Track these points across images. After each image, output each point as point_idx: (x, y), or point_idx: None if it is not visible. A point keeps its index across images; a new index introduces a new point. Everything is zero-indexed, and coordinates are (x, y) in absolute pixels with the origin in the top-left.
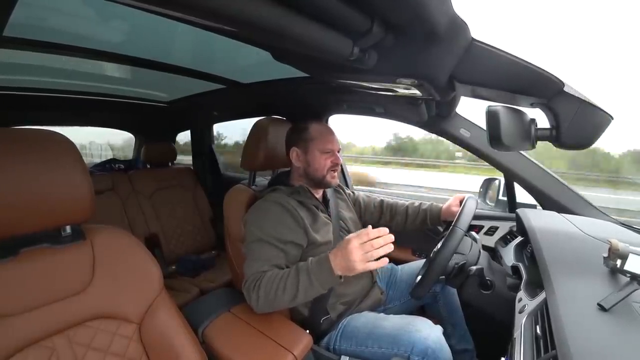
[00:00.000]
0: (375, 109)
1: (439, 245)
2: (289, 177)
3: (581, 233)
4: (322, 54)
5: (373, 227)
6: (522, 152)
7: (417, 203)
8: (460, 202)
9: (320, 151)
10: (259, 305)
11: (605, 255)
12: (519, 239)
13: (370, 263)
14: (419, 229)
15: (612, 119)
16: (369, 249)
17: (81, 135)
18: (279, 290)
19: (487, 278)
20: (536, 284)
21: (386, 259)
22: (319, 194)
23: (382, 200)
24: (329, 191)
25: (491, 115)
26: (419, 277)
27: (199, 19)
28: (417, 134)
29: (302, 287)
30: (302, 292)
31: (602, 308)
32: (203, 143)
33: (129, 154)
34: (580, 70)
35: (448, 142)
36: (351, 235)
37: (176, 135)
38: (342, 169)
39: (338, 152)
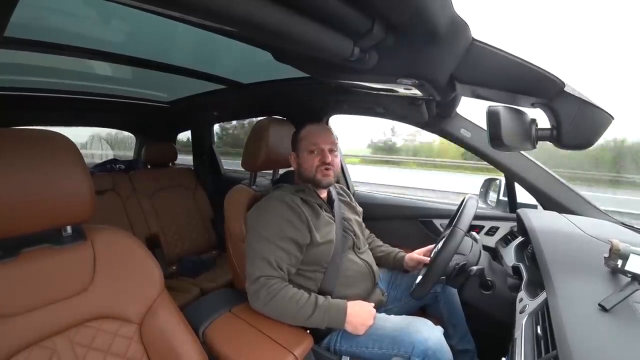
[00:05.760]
0: (376, 109)
1: (439, 246)
2: (293, 177)
3: (582, 233)
4: (322, 54)
5: None
6: (522, 152)
7: (391, 252)
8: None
9: (307, 151)
10: (264, 310)
11: (606, 255)
12: (519, 239)
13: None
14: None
15: (613, 119)
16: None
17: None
18: (292, 311)
19: (487, 278)
20: (537, 284)
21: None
22: (323, 194)
23: (371, 235)
24: (333, 192)
25: (492, 116)
26: (420, 278)
27: (199, 19)
28: None
29: (312, 320)
30: (309, 322)
31: (603, 308)
32: (203, 143)
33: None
34: (581, 70)
35: None
36: (371, 307)
37: (177, 135)
38: (342, 170)
39: (331, 151)
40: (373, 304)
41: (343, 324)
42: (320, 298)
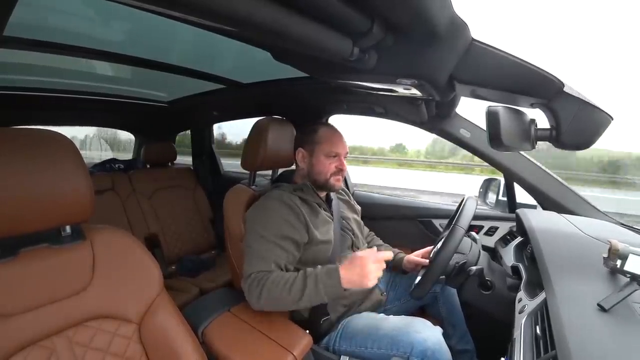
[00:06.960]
0: (375, 109)
1: (439, 245)
2: (293, 176)
3: (581, 233)
4: (322, 54)
5: None
6: (522, 152)
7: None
8: (424, 254)
9: (326, 155)
10: (260, 303)
11: (605, 255)
12: (518, 239)
13: (376, 280)
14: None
15: (612, 119)
16: (380, 267)
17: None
18: (284, 292)
19: (487, 278)
20: (536, 284)
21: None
22: (322, 193)
23: (371, 233)
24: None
25: (491, 116)
26: (419, 278)
27: (199, 19)
28: None
29: (307, 293)
30: (307, 298)
31: (602, 308)
32: (203, 143)
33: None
34: (581, 70)
35: None
36: (363, 253)
37: (176, 135)
38: None
39: (345, 156)
40: (375, 249)
41: (340, 284)
42: (308, 269)
